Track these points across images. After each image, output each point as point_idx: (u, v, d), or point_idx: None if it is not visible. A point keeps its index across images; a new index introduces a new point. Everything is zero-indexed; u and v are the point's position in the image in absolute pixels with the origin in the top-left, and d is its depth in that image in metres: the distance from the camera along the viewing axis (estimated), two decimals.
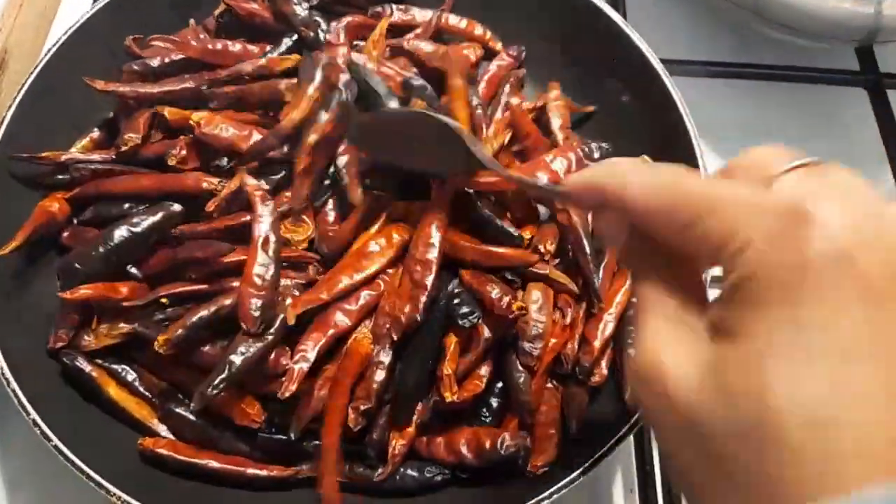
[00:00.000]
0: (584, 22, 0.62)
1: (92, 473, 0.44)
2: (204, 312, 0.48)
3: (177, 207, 0.51)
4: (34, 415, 0.45)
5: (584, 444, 0.48)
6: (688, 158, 0.54)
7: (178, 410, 0.49)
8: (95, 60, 0.59)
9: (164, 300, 0.49)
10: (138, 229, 0.50)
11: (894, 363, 0.23)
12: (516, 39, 0.65)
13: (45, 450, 0.45)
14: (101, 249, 0.49)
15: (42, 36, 0.71)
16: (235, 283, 0.49)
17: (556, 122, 0.60)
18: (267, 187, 0.52)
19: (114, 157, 0.55)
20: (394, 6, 0.64)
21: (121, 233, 0.50)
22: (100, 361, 0.50)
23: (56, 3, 0.74)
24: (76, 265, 0.49)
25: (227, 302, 0.48)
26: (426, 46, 0.61)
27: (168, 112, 0.55)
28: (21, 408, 0.45)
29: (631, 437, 0.48)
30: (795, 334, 0.24)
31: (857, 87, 0.71)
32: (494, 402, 0.51)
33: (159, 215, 0.51)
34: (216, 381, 0.45)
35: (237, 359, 0.46)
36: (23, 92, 0.55)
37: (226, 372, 0.46)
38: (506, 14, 0.65)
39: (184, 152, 0.53)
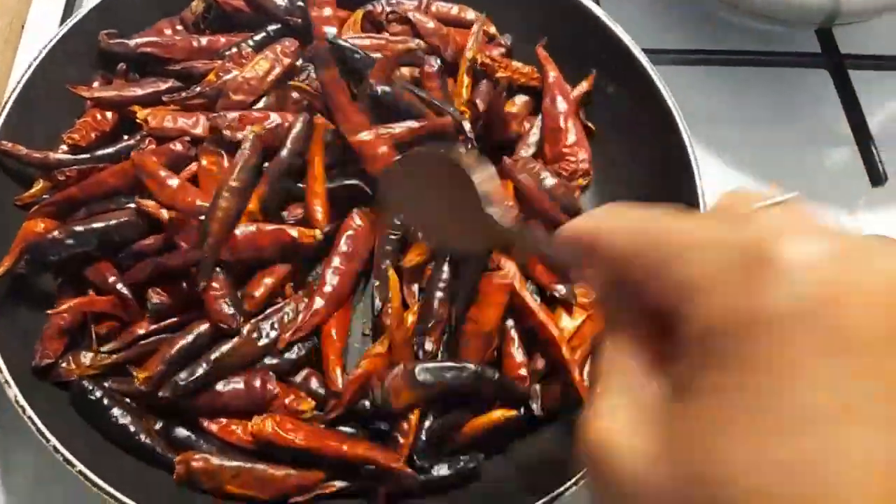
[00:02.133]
0: (565, 15, 0.64)
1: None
2: (182, 342, 0.48)
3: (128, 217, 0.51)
4: (54, 441, 0.44)
5: None
6: (678, 144, 0.57)
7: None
8: (77, 70, 0.59)
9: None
10: (101, 224, 0.50)
11: (870, 426, 0.20)
12: (504, 31, 0.66)
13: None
14: (70, 240, 0.49)
15: (10, 49, 0.69)
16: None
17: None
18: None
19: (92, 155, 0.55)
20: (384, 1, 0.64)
21: (89, 228, 0.50)
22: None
23: (23, 15, 0.72)
24: (46, 244, 0.49)
25: (204, 328, 0.48)
26: (429, 23, 0.62)
27: (138, 111, 0.56)
28: (40, 434, 0.44)
29: None
30: (744, 400, 0.21)
31: (820, 68, 0.74)
32: None
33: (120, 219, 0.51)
34: (196, 374, 0.46)
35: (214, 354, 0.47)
36: (9, 105, 0.54)
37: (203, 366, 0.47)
38: (492, 8, 0.66)
39: (152, 146, 0.55)
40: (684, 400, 0.22)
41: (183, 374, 0.47)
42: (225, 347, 0.48)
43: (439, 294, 0.52)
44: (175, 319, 0.50)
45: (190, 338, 0.48)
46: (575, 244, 0.29)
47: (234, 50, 0.59)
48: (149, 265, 0.49)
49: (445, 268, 0.52)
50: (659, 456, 0.22)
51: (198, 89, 0.57)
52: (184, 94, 0.57)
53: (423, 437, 0.48)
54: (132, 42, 0.59)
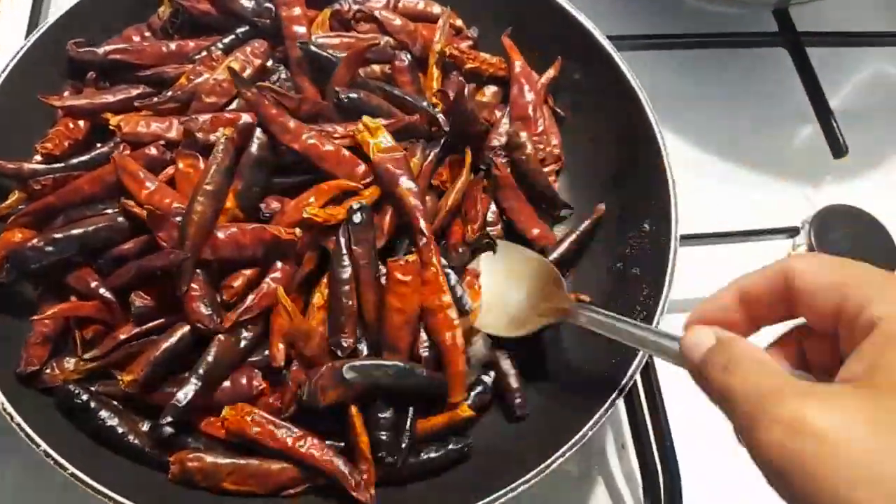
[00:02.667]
0: (530, 5, 0.65)
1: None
2: (166, 344, 0.48)
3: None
4: (44, 445, 0.44)
5: (574, 411, 0.50)
6: (643, 123, 0.58)
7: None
8: (46, 80, 0.59)
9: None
10: (80, 230, 0.50)
11: None
12: (471, 24, 0.67)
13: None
14: (50, 248, 0.50)
15: None
16: None
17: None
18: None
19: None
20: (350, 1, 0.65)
21: (69, 234, 0.50)
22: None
23: None
24: (26, 253, 0.49)
25: (187, 329, 0.49)
26: (396, 20, 0.63)
27: (110, 118, 0.56)
28: (29, 440, 0.44)
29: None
30: None
31: (778, 47, 0.76)
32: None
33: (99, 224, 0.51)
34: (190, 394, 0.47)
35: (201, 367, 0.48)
36: None
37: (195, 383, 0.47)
38: (457, 2, 0.67)
39: (127, 151, 0.55)
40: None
41: (180, 396, 0.47)
42: (209, 358, 0.48)
43: (345, 287, 0.51)
44: (159, 322, 0.50)
45: (173, 339, 0.48)
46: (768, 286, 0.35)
47: (205, 53, 0.59)
48: (131, 269, 0.49)
49: (346, 260, 0.51)
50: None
51: (170, 94, 0.57)
52: (156, 99, 0.57)
53: (383, 434, 0.48)
54: (101, 50, 0.59)
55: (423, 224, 0.51)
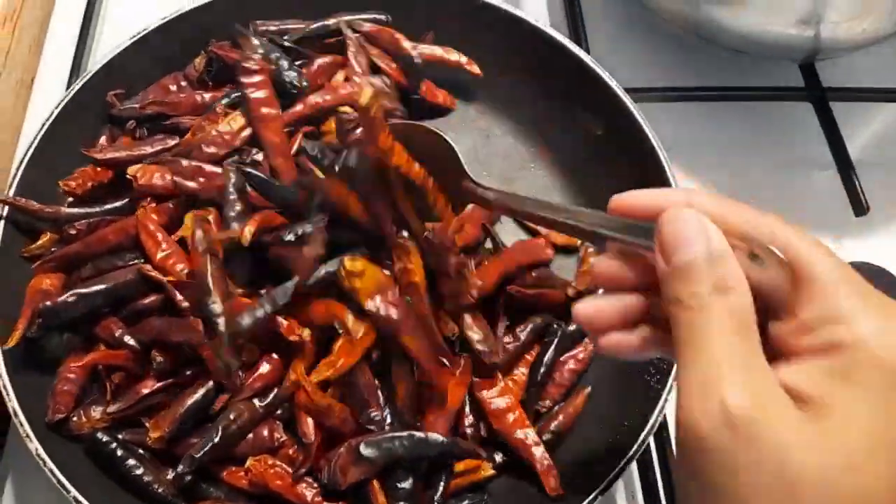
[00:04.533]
0: (551, 58, 0.66)
1: None
2: (190, 402, 0.50)
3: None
4: (74, 492, 0.46)
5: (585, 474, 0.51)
6: (660, 179, 0.59)
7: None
8: (85, 125, 0.61)
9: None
10: (105, 286, 0.52)
11: None
12: (494, 76, 0.68)
13: None
14: (79, 302, 0.51)
15: (21, 105, 0.72)
16: None
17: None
18: None
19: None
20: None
21: (95, 290, 0.52)
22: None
23: (33, 71, 0.75)
24: (56, 308, 0.51)
25: (211, 384, 0.50)
26: None
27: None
28: (60, 486, 0.46)
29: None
30: None
31: (804, 101, 0.76)
32: None
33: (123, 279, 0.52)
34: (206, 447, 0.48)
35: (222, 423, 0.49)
36: (24, 164, 0.57)
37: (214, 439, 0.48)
38: (479, 53, 0.68)
39: (153, 204, 0.56)
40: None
41: (196, 448, 0.48)
42: (231, 416, 0.49)
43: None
44: (181, 379, 0.51)
45: (198, 396, 0.50)
46: (649, 209, 0.32)
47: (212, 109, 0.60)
48: (154, 329, 0.51)
49: None
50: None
51: (173, 146, 0.58)
52: (155, 150, 0.58)
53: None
54: (138, 105, 0.61)
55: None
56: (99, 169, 0.59)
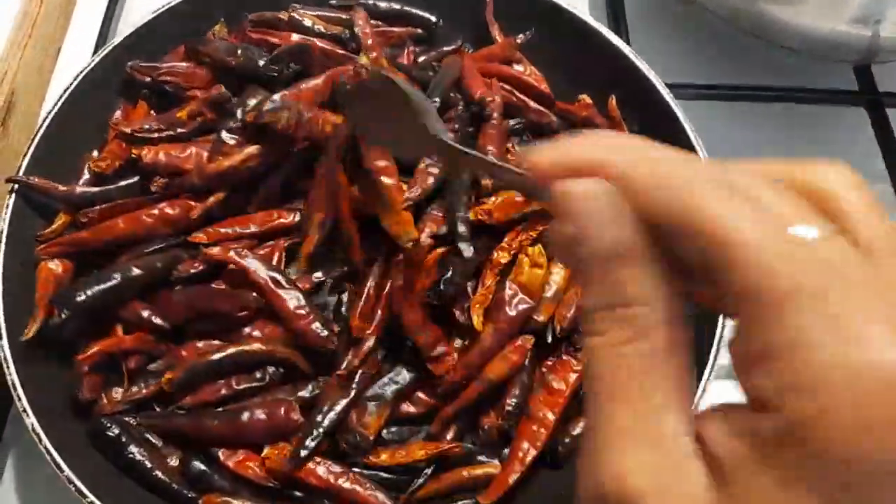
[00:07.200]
0: (591, 51, 0.63)
1: None
2: (211, 359, 0.49)
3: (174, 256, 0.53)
4: (68, 472, 0.44)
5: None
6: None
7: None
8: (101, 99, 0.59)
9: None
10: (131, 274, 0.51)
11: None
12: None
13: None
14: (94, 288, 0.50)
15: (46, 74, 0.71)
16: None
17: None
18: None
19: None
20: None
21: (116, 275, 0.51)
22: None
23: (59, 41, 0.74)
24: (70, 296, 0.50)
25: (232, 351, 0.50)
26: None
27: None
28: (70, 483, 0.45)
29: None
30: None
31: (857, 106, 0.72)
32: None
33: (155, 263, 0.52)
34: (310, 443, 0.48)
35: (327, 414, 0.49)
36: (37, 137, 0.55)
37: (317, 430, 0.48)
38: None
39: (164, 179, 0.55)
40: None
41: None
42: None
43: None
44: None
45: (219, 356, 0.50)
46: (565, 172, 0.23)
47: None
48: (187, 305, 0.51)
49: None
50: None
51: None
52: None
53: None
54: (157, 67, 0.59)
55: None
56: (124, 146, 0.57)
